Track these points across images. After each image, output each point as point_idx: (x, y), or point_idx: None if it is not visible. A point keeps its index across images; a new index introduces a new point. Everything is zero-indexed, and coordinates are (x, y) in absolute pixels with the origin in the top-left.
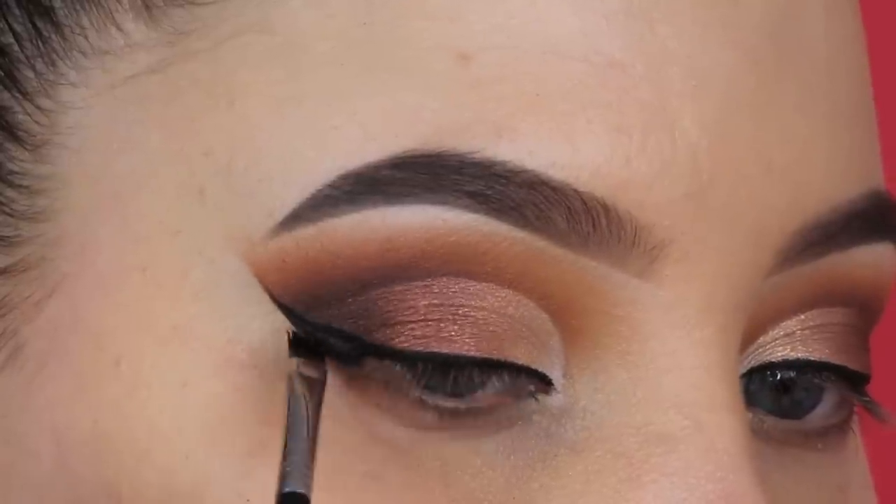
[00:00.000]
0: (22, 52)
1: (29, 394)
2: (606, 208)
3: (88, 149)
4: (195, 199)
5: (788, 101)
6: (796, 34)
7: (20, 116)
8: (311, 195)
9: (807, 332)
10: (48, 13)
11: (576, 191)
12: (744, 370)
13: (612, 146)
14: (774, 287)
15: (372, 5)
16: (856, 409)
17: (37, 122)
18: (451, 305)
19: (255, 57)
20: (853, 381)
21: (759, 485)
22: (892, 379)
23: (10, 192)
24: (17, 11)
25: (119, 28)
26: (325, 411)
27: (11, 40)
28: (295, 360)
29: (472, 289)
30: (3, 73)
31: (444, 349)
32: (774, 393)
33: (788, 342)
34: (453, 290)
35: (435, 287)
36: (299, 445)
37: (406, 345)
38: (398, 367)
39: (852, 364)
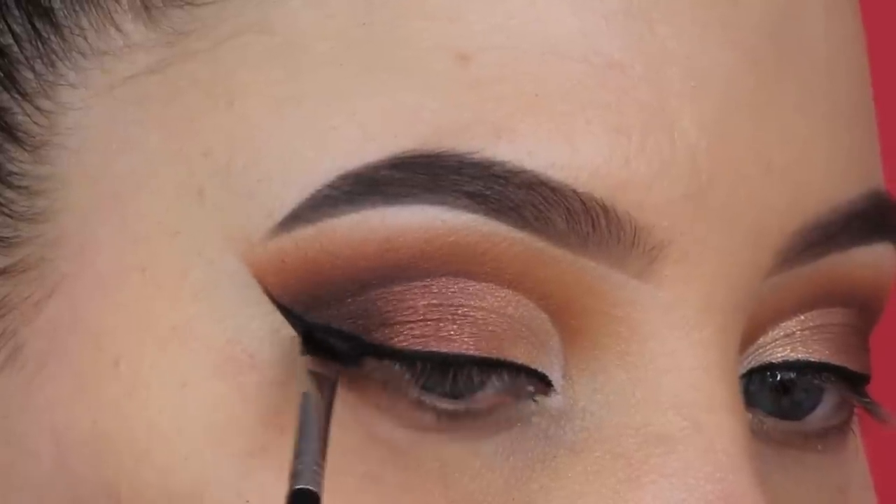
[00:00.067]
0: (21, 53)
1: (28, 394)
2: (605, 209)
3: (88, 149)
4: (194, 199)
5: (788, 102)
6: (796, 34)
7: (19, 117)
8: (310, 195)
9: (807, 332)
10: (47, 14)
11: (575, 191)
12: (743, 371)
13: (611, 147)
14: (774, 287)
15: (371, 5)
16: (856, 409)
17: (36, 123)
18: (451, 305)
19: (254, 57)
20: (853, 381)
21: (758, 485)
22: (892, 379)
23: (9, 193)
24: (16, 12)
25: (118, 29)
26: None
27: (11, 41)
28: (306, 359)
29: (471, 289)
30: (2, 74)
31: (444, 348)
32: (774, 394)
33: (788, 343)
34: (452, 290)
35: (434, 287)
36: (310, 444)
37: (405, 344)
38: (397, 367)
39: (852, 365)
